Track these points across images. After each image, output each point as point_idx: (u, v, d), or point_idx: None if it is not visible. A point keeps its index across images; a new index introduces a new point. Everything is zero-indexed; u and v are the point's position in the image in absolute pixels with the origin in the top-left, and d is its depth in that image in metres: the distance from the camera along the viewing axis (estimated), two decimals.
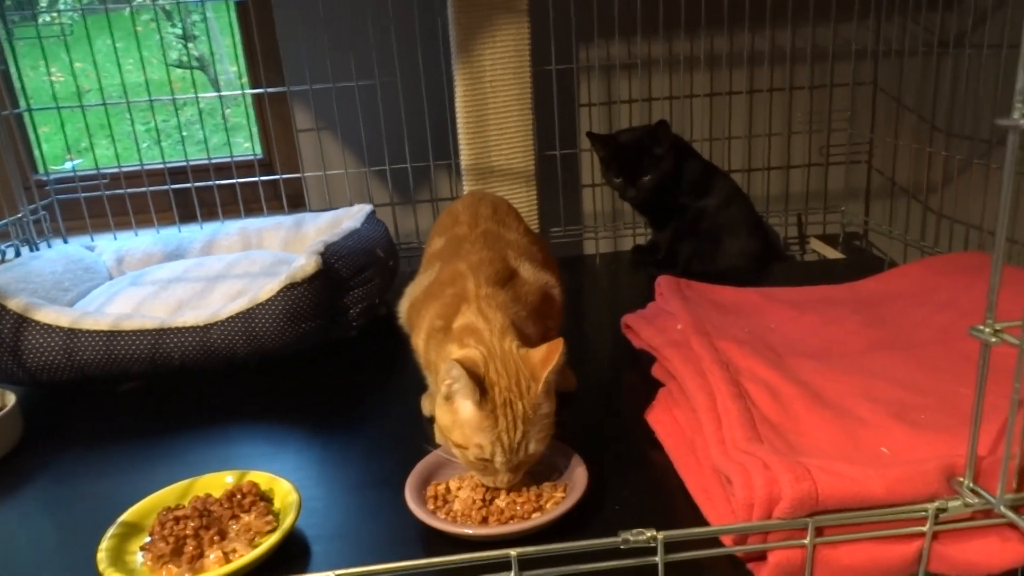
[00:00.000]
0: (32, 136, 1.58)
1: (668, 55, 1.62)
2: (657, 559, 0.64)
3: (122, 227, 1.59)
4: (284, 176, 1.61)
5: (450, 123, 1.51)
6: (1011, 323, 0.61)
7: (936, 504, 0.65)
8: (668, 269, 1.48)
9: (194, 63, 3.05)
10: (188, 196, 1.59)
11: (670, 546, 0.65)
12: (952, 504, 0.65)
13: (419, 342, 0.88)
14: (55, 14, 1.53)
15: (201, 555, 0.73)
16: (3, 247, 1.41)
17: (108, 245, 1.48)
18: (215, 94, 1.55)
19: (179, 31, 2.93)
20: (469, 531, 0.74)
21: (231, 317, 1.10)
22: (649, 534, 0.64)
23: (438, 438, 0.88)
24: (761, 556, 0.68)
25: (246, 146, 1.82)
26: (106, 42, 1.49)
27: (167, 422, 1.06)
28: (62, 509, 0.88)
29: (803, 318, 1.08)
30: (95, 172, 1.55)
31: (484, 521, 0.75)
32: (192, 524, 0.75)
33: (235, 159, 1.59)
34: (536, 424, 0.75)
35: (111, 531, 0.76)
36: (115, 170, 1.56)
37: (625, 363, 1.10)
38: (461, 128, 1.46)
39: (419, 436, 0.93)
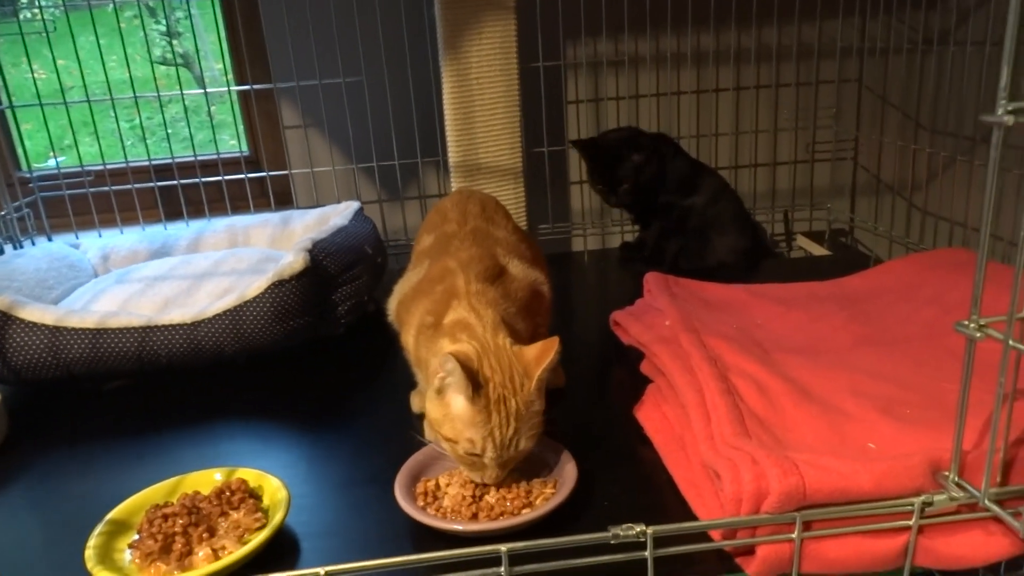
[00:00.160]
0: (15, 133, 1.56)
1: (655, 52, 1.62)
2: (646, 554, 0.65)
3: (107, 224, 1.57)
4: (271, 173, 1.60)
5: (438, 120, 1.51)
6: (996, 318, 0.62)
7: (922, 498, 0.66)
8: (655, 266, 1.48)
9: (178, 60, 3.03)
10: (174, 193, 1.58)
11: (659, 541, 0.65)
12: (938, 498, 0.66)
13: (409, 339, 0.88)
14: (36, 10, 1.51)
15: (190, 552, 0.73)
16: None
17: (93, 243, 1.46)
18: (201, 91, 1.53)
19: (163, 28, 2.91)
20: (459, 527, 0.74)
21: (218, 315, 1.09)
22: (638, 529, 0.64)
23: (427, 433, 0.88)
24: (749, 550, 0.69)
25: (232, 143, 1.81)
26: (89, 39, 1.48)
27: (154, 420, 1.06)
28: (49, 507, 0.87)
29: (790, 314, 1.09)
30: (80, 169, 1.54)
31: (474, 517, 0.75)
32: (181, 521, 0.75)
33: (222, 156, 1.57)
34: (528, 421, 0.75)
35: (99, 529, 0.76)
36: (100, 167, 1.55)
37: (614, 359, 1.11)
38: (449, 125, 1.46)
39: (408, 433, 0.93)
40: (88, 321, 1.07)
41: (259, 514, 0.77)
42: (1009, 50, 0.57)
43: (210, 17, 1.56)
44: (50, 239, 1.52)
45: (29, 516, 0.86)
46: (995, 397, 0.64)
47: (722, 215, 1.47)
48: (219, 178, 1.56)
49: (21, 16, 1.56)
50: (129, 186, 1.54)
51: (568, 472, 0.80)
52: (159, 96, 1.51)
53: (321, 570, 0.62)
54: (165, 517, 0.75)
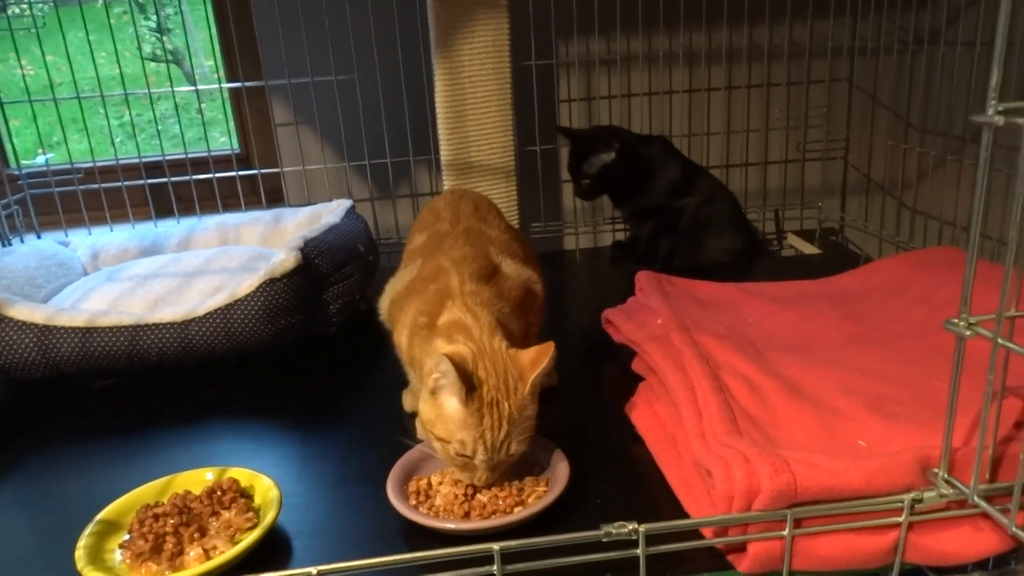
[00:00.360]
0: (3, 130, 1.55)
1: (647, 51, 1.62)
2: (639, 551, 0.65)
3: (97, 222, 1.56)
4: (263, 171, 1.59)
5: (430, 118, 1.51)
6: (985, 316, 0.62)
7: (912, 495, 0.66)
8: (647, 265, 1.49)
9: (168, 57, 3.01)
10: (164, 191, 1.57)
11: (651, 538, 0.65)
12: (927, 495, 0.67)
13: (402, 338, 0.88)
14: (25, 6, 1.50)
15: (181, 552, 0.73)
16: None
17: (83, 240, 1.45)
18: (191, 88, 1.53)
19: (153, 24, 2.90)
20: (451, 526, 0.74)
21: (209, 313, 1.09)
22: (631, 527, 0.65)
23: (420, 432, 0.88)
24: (741, 548, 0.69)
25: (223, 140, 1.80)
26: (78, 35, 1.47)
27: (144, 419, 1.05)
28: (38, 507, 0.87)
29: (781, 313, 1.09)
30: (69, 167, 1.53)
31: (466, 516, 0.76)
32: (172, 521, 0.75)
33: (212, 154, 1.57)
34: (520, 425, 0.75)
35: (89, 529, 0.76)
36: (89, 164, 1.54)
37: (606, 357, 1.11)
38: (441, 123, 1.45)
39: (400, 432, 0.93)
40: (78, 320, 1.07)
41: (250, 514, 0.77)
42: (1000, 51, 0.57)
43: (200, 13, 1.55)
44: (39, 237, 1.51)
45: (19, 516, 0.86)
46: (983, 395, 0.64)
47: (716, 216, 1.47)
48: (210, 176, 1.55)
49: (9, 12, 1.55)
50: (119, 183, 1.53)
51: (560, 470, 0.80)
52: (149, 93, 1.50)
53: (313, 569, 0.61)
54: (156, 517, 0.75)
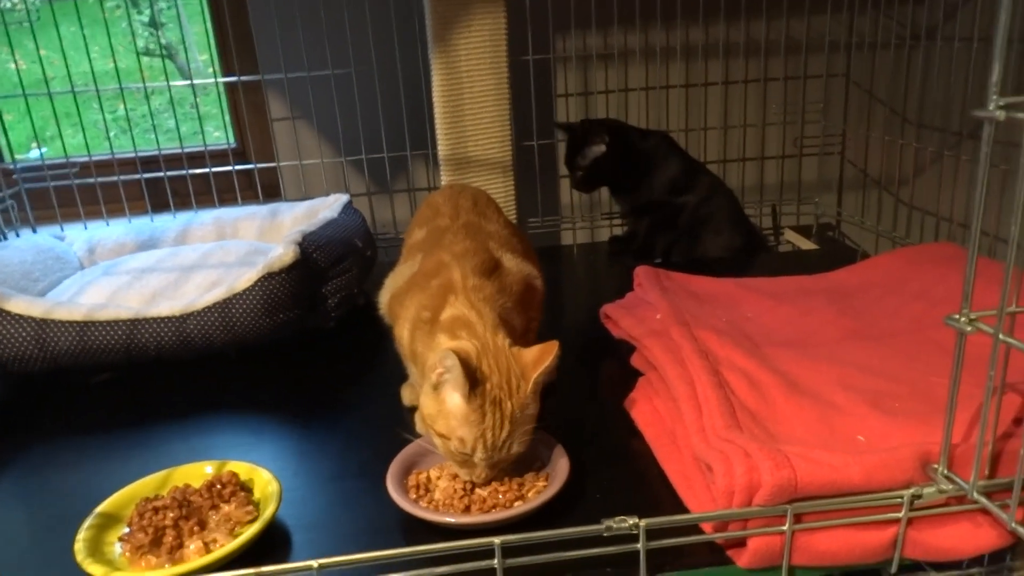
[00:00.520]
0: None
1: (644, 46, 1.62)
2: (639, 546, 0.65)
3: (93, 216, 1.56)
4: (259, 165, 1.59)
5: (427, 113, 1.50)
6: (986, 312, 0.63)
7: (912, 491, 0.67)
8: (645, 260, 1.49)
9: (163, 51, 3.00)
10: (160, 185, 1.56)
11: (652, 533, 0.65)
12: (927, 491, 0.67)
13: (403, 333, 0.88)
14: (18, 0, 1.49)
15: (181, 546, 0.73)
16: None
17: (78, 235, 1.45)
18: (187, 82, 1.52)
19: (146, 18, 2.88)
20: (451, 520, 0.74)
21: (208, 307, 1.08)
22: (631, 521, 0.65)
23: (419, 427, 0.88)
24: (741, 542, 0.69)
25: (217, 135, 1.79)
26: (71, 29, 1.46)
27: (143, 413, 1.05)
28: (37, 501, 0.87)
29: (780, 308, 1.09)
30: (64, 161, 1.52)
31: (466, 510, 0.75)
32: (171, 515, 0.74)
33: (208, 148, 1.56)
34: (521, 425, 0.75)
35: (88, 522, 0.75)
36: (85, 159, 1.53)
37: (604, 353, 1.11)
38: (438, 118, 1.45)
39: (399, 426, 0.93)
40: (76, 313, 1.06)
41: (250, 507, 0.77)
42: (1000, 46, 0.57)
43: (195, 8, 1.54)
44: (35, 231, 1.51)
45: (18, 509, 0.85)
46: (983, 390, 0.64)
47: (716, 214, 1.47)
48: (206, 170, 1.54)
49: (2, 5, 1.54)
50: (115, 178, 1.52)
51: (560, 465, 0.80)
52: (145, 88, 1.49)
53: (314, 563, 0.61)
54: (155, 510, 0.75)
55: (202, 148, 1.56)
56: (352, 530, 0.78)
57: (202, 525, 0.75)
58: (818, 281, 1.20)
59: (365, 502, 0.81)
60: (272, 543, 0.76)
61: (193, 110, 1.59)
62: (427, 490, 0.79)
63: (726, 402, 0.80)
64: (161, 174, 1.53)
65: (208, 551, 0.71)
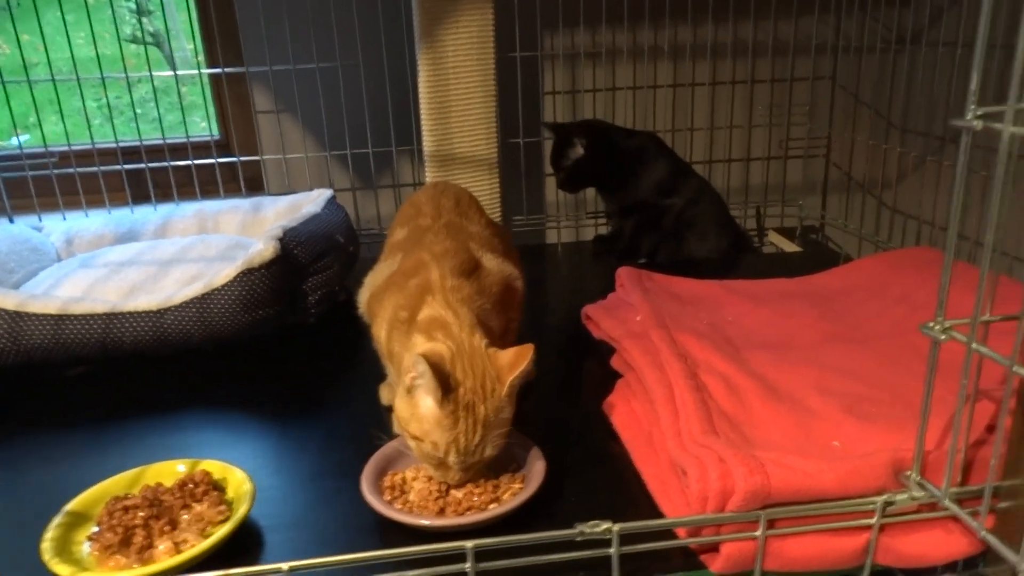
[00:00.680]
0: None
1: (632, 45, 1.62)
2: (612, 551, 0.65)
3: (72, 207, 1.54)
4: (242, 158, 1.57)
5: (413, 109, 1.49)
6: (960, 321, 0.63)
7: (884, 497, 0.67)
8: (629, 260, 1.49)
9: (148, 39, 2.97)
10: (142, 176, 1.54)
11: (625, 538, 0.65)
12: (899, 497, 0.67)
13: (381, 332, 0.87)
14: None
15: (150, 546, 0.72)
16: None
17: (57, 225, 1.43)
18: (170, 73, 1.50)
19: (132, 5, 2.85)
20: (426, 522, 0.74)
21: (185, 302, 1.07)
22: (604, 526, 0.64)
23: (396, 427, 0.88)
24: (714, 548, 0.69)
25: (203, 126, 1.77)
26: (55, 14, 1.44)
27: (117, 408, 1.04)
28: (5, 497, 0.85)
29: (761, 311, 1.09)
30: (43, 151, 1.50)
31: (441, 512, 0.75)
32: (142, 514, 0.73)
33: (192, 140, 1.54)
34: (495, 429, 0.74)
35: (56, 520, 0.74)
36: (65, 148, 1.51)
37: (585, 353, 1.10)
38: (424, 114, 1.44)
39: (377, 425, 0.93)
40: (50, 307, 1.05)
41: (223, 507, 0.76)
42: (979, 55, 0.57)
43: None
44: (12, 221, 1.49)
45: None
46: (957, 396, 0.64)
47: (702, 217, 1.47)
48: (188, 162, 1.53)
49: None
50: (95, 169, 1.50)
51: (536, 467, 0.80)
52: (127, 76, 1.48)
53: (284, 565, 0.61)
54: (125, 509, 0.74)
55: (185, 140, 1.54)
56: (327, 531, 0.77)
57: (173, 525, 0.74)
58: (800, 284, 1.20)
59: (341, 502, 0.81)
60: (245, 544, 0.75)
61: (179, 100, 1.58)
62: (402, 491, 0.78)
63: (703, 406, 0.80)
64: (143, 165, 1.52)
65: (178, 551, 0.71)
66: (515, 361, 0.75)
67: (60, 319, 1.05)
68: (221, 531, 0.72)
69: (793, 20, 1.61)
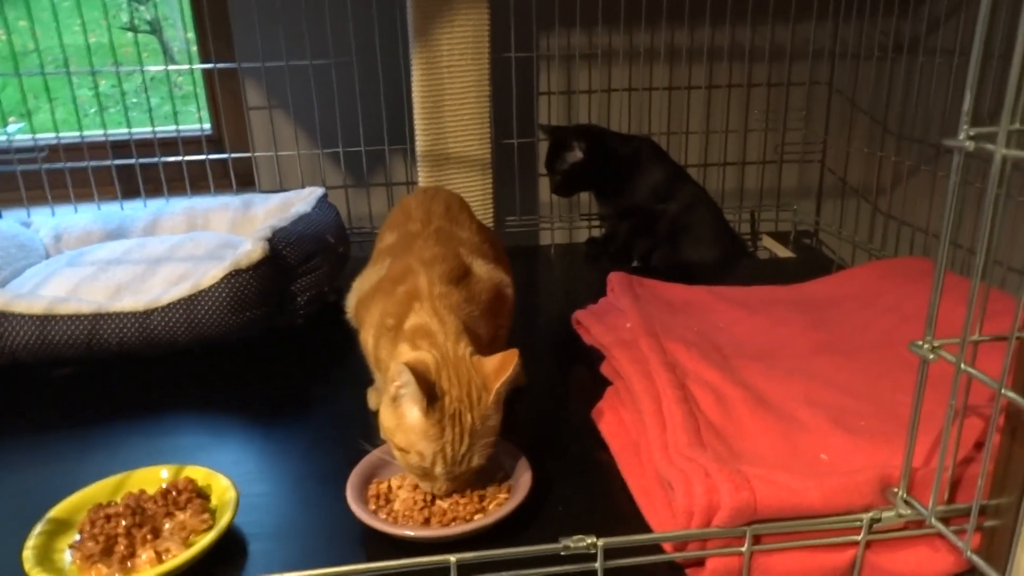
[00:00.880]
0: None
1: (629, 47, 1.61)
2: (597, 565, 0.65)
3: (60, 200, 1.52)
4: (233, 155, 1.56)
5: (406, 108, 1.48)
6: (949, 340, 0.62)
7: (870, 514, 0.67)
8: (622, 263, 1.48)
9: (145, 27, 2.95)
10: (132, 171, 1.53)
11: (610, 552, 0.65)
12: (886, 515, 0.67)
13: (368, 339, 0.86)
14: None
15: (133, 555, 0.71)
16: None
17: (45, 221, 1.42)
18: (162, 67, 1.49)
19: None
20: (410, 533, 0.73)
21: (172, 303, 1.06)
22: (589, 541, 0.64)
23: (383, 433, 0.87)
24: (699, 563, 0.69)
25: (199, 115, 1.74)
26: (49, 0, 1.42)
27: (104, 410, 1.03)
28: None
29: (752, 319, 1.09)
30: (32, 144, 1.48)
31: (426, 522, 0.75)
32: (124, 522, 0.73)
33: (182, 134, 1.53)
34: (482, 437, 0.74)
35: (38, 528, 0.74)
36: (54, 141, 1.49)
37: (575, 358, 1.10)
38: (417, 114, 1.43)
39: (364, 429, 0.92)
40: (36, 307, 1.04)
41: (206, 515, 0.75)
42: (973, 75, 0.57)
43: None
44: None
45: None
46: (945, 412, 0.64)
47: (697, 223, 1.47)
48: (179, 159, 1.51)
49: None
50: (85, 164, 1.49)
51: (523, 476, 0.79)
52: (118, 72, 1.46)
53: None
54: (108, 517, 0.73)
55: (175, 134, 1.52)
56: (311, 540, 0.77)
57: (156, 533, 0.73)
58: (791, 292, 1.20)
59: (327, 509, 0.80)
60: (228, 553, 0.75)
61: (174, 90, 1.56)
62: (387, 500, 0.78)
63: (691, 418, 0.80)
64: (133, 161, 1.50)
65: (160, 561, 0.70)
66: (500, 368, 0.75)
67: (45, 319, 1.04)
68: (204, 540, 0.71)
69: (791, 25, 1.60)
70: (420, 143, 1.46)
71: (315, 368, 1.14)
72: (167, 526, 0.75)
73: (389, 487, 0.79)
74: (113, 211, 1.46)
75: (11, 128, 1.57)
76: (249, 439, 0.96)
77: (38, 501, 0.78)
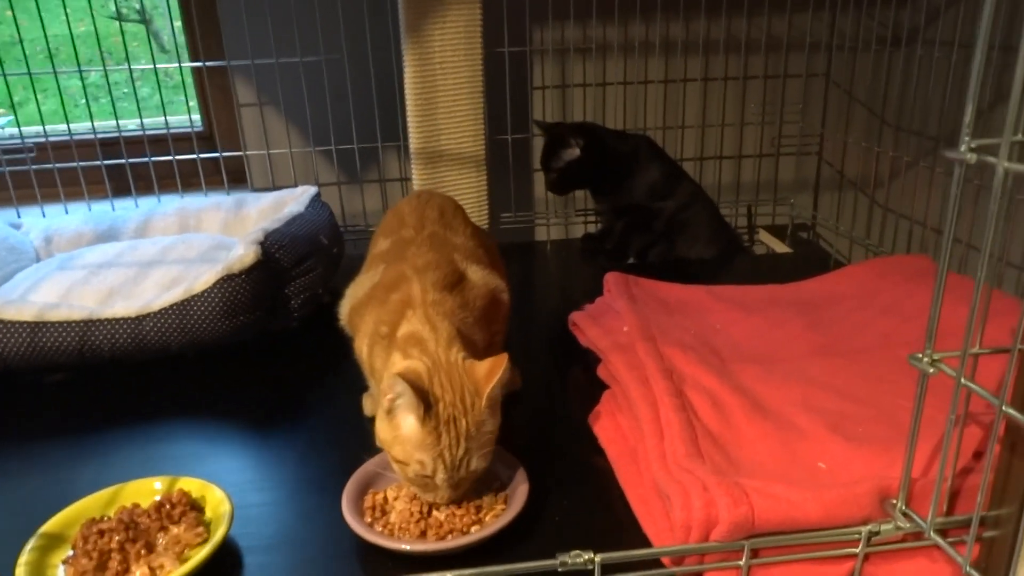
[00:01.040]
0: None
1: (623, 40, 1.59)
2: None
3: (50, 199, 1.50)
4: (225, 154, 1.54)
5: (399, 104, 1.47)
6: (949, 353, 0.62)
7: (869, 527, 0.66)
8: (618, 260, 1.48)
9: (133, 15, 2.91)
10: (122, 168, 1.51)
11: (607, 567, 0.64)
12: (884, 527, 0.66)
13: (362, 347, 0.86)
14: None
15: (127, 571, 0.71)
16: None
17: (36, 223, 1.40)
18: (150, 66, 1.46)
19: None
20: (406, 547, 0.72)
21: (164, 309, 1.05)
22: (586, 556, 0.64)
23: (378, 442, 0.87)
24: None
25: (192, 104, 1.72)
26: None
27: (96, 417, 1.02)
28: None
29: (749, 319, 1.08)
30: (20, 144, 1.46)
31: (422, 535, 0.74)
32: (117, 538, 0.72)
33: (172, 131, 1.51)
34: (479, 441, 0.73)
35: (31, 544, 0.73)
36: (42, 139, 1.48)
37: (571, 359, 1.09)
38: (410, 111, 1.41)
39: (361, 434, 0.91)
40: (26, 313, 1.03)
41: (200, 528, 0.75)
42: (974, 86, 0.55)
43: None
44: None
45: None
46: (945, 415, 0.63)
47: (693, 221, 1.46)
48: (170, 158, 1.50)
49: None
50: (74, 164, 1.47)
51: (519, 486, 0.79)
52: (104, 70, 1.44)
53: None
54: (101, 533, 0.73)
55: (165, 132, 1.50)
56: (307, 553, 0.76)
57: (149, 548, 0.73)
58: (789, 291, 1.19)
59: (324, 520, 0.80)
60: (223, 566, 0.74)
61: (164, 83, 1.53)
62: (383, 512, 0.77)
63: (688, 427, 0.79)
64: (123, 161, 1.49)
65: None
66: (491, 372, 0.74)
67: (36, 326, 1.03)
68: (199, 555, 0.71)
69: (787, 16, 1.58)
70: (413, 140, 1.44)
71: (310, 371, 1.13)
72: (161, 541, 0.74)
73: (385, 498, 0.79)
74: (104, 212, 1.45)
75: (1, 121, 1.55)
76: (244, 446, 0.95)
77: (30, 512, 0.77)
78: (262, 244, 1.10)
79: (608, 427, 0.90)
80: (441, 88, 1.42)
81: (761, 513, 0.65)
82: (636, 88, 1.63)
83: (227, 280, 1.06)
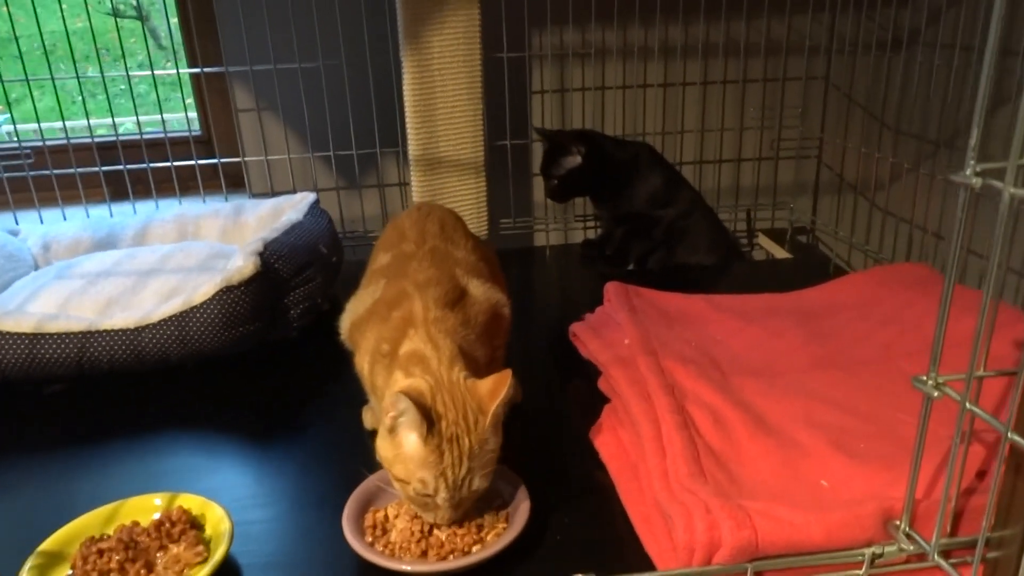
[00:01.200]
0: None
1: (622, 44, 1.59)
2: None
3: (47, 204, 1.50)
4: (223, 160, 1.53)
5: (398, 110, 1.46)
6: (953, 376, 0.61)
7: (872, 549, 0.66)
8: (618, 266, 1.47)
9: (130, 12, 2.90)
10: (120, 172, 1.50)
11: None
12: (888, 549, 0.66)
13: (363, 364, 0.85)
14: None
15: None
16: None
17: (34, 230, 1.39)
18: (147, 72, 1.45)
19: None
20: (407, 568, 0.72)
21: (163, 320, 1.05)
22: None
23: (378, 457, 0.86)
24: None
25: (188, 102, 1.71)
26: None
27: (95, 430, 1.02)
28: None
29: (749, 330, 1.08)
30: (16, 149, 1.45)
31: (423, 554, 0.74)
32: (117, 557, 0.72)
33: (170, 135, 1.50)
34: (481, 460, 0.73)
35: (29, 563, 0.73)
36: (39, 143, 1.47)
37: (572, 370, 1.09)
38: (409, 116, 1.41)
39: (361, 448, 0.91)
40: (24, 325, 1.02)
41: (200, 547, 0.74)
42: (980, 110, 0.55)
43: None
44: None
45: None
46: (949, 431, 0.63)
47: (692, 229, 1.45)
48: (168, 164, 1.49)
49: None
50: (72, 170, 1.46)
51: (521, 503, 0.79)
52: (103, 77, 1.43)
53: None
54: (100, 552, 0.72)
55: (163, 136, 1.49)
56: (307, 571, 0.76)
57: (149, 567, 0.73)
58: (788, 300, 1.18)
59: (325, 536, 0.79)
60: None
61: (162, 86, 1.53)
62: (384, 530, 0.77)
63: (691, 445, 0.79)
64: (121, 167, 1.48)
65: None
66: (494, 390, 0.74)
67: (35, 338, 1.02)
68: (199, 575, 0.70)
69: (786, 19, 1.58)
70: (412, 146, 1.43)
71: (310, 382, 1.12)
72: (161, 560, 0.74)
73: (386, 516, 0.79)
74: (102, 218, 1.44)
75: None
76: (244, 460, 0.95)
77: (28, 525, 0.77)
78: (261, 255, 1.09)
79: (609, 442, 0.90)
80: (440, 93, 1.42)
81: (765, 536, 0.65)
82: (635, 92, 1.62)
83: (226, 292, 1.05)
